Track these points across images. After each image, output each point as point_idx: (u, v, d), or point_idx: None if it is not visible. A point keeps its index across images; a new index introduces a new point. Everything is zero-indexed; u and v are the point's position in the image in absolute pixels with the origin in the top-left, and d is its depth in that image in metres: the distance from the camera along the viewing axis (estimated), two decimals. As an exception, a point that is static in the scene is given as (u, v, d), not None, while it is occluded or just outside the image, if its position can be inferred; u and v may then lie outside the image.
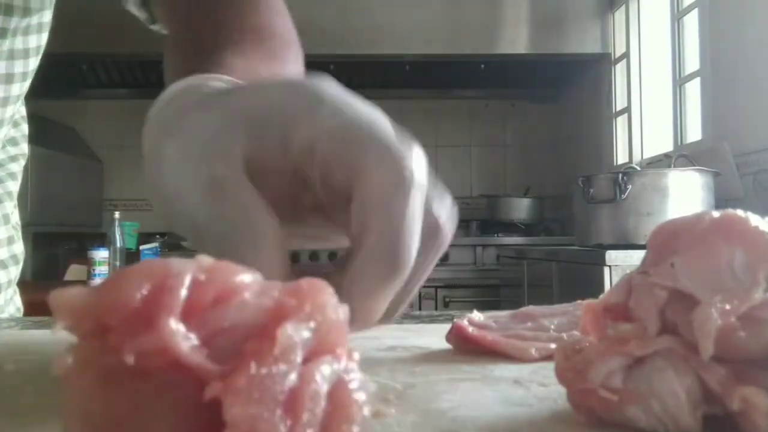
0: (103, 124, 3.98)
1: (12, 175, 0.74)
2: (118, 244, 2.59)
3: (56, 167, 3.24)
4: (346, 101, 0.30)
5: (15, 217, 0.75)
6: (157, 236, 3.35)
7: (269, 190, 0.30)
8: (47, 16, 0.66)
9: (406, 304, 0.31)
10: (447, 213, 0.32)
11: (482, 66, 3.53)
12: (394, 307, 0.30)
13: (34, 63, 0.67)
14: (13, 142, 0.75)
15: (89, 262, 2.44)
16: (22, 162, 0.76)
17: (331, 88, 0.31)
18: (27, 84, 0.68)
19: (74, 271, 2.96)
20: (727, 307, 0.22)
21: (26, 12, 0.62)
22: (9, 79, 0.64)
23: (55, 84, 3.40)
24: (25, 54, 0.65)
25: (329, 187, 0.30)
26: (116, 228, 2.59)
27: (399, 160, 0.29)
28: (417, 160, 0.29)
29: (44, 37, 0.68)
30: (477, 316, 0.41)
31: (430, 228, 0.30)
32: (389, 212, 0.28)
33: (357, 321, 0.27)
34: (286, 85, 0.32)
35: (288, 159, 0.30)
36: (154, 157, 0.31)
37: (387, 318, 0.30)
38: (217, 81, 0.35)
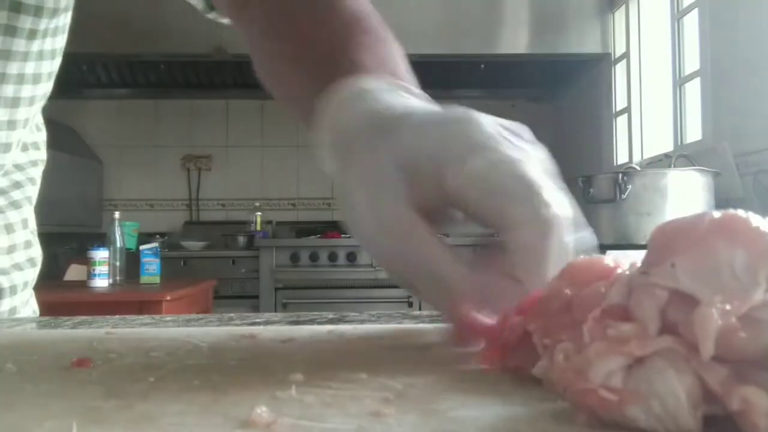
0: (103, 124, 3.99)
1: (32, 180, 0.75)
2: (118, 244, 2.59)
3: (56, 167, 3.24)
4: (493, 146, 0.35)
5: (33, 222, 0.75)
6: (157, 236, 3.35)
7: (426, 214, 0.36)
8: (69, 16, 0.67)
9: None
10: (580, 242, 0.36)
11: (482, 66, 3.53)
12: None
13: (57, 63, 0.68)
14: (35, 146, 0.76)
15: (89, 262, 2.44)
16: (41, 167, 0.77)
17: (479, 128, 0.36)
18: (50, 84, 0.69)
19: (74, 271, 2.96)
20: (728, 307, 0.22)
21: (55, 13, 0.63)
22: (36, 79, 0.65)
23: (55, 84, 3.39)
24: (52, 54, 0.66)
25: (479, 218, 0.36)
26: (116, 228, 2.59)
27: (544, 220, 0.33)
28: (561, 207, 0.34)
29: (65, 37, 0.69)
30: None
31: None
32: (535, 262, 0.33)
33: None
34: (441, 126, 0.37)
35: (442, 197, 0.35)
36: (339, 185, 0.39)
37: None
38: (388, 92, 0.41)
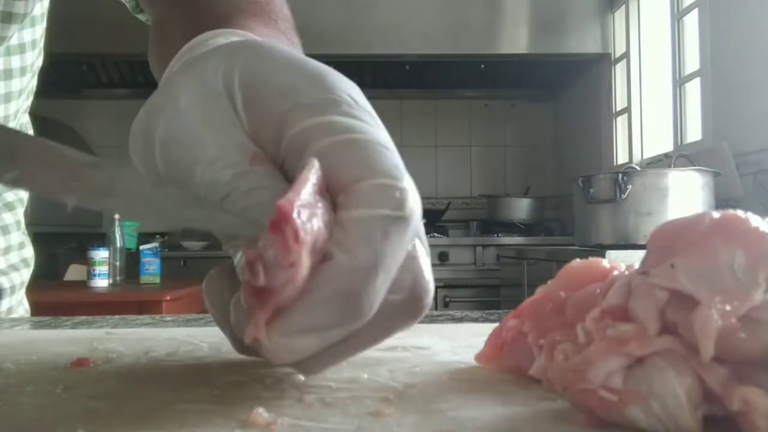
0: (103, 124, 3.98)
1: None
2: (118, 244, 2.59)
3: (56, 167, 3.23)
4: (357, 114, 0.27)
5: (23, 224, 0.76)
6: (157, 236, 3.35)
7: None
8: (38, 10, 0.66)
9: (339, 362, 0.27)
10: (431, 279, 0.27)
11: (482, 66, 3.53)
12: (322, 361, 0.26)
13: (31, 57, 0.67)
14: None
15: (89, 262, 2.44)
16: None
17: (352, 88, 0.28)
18: (27, 80, 0.68)
19: (74, 270, 2.96)
20: (728, 307, 0.22)
21: (24, 17, 0.63)
22: (8, 75, 0.65)
23: (55, 84, 3.39)
24: (21, 49, 0.66)
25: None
26: (116, 228, 2.59)
27: (400, 192, 0.25)
28: (416, 200, 0.25)
29: (39, 30, 0.68)
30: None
31: (409, 291, 0.26)
32: (368, 244, 0.24)
33: (271, 355, 0.24)
34: (305, 64, 0.28)
35: (275, 147, 0.27)
36: (166, 104, 0.29)
37: (305, 370, 0.27)
38: (233, 35, 0.34)
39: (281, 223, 0.23)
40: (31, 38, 0.67)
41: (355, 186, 0.25)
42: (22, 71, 0.67)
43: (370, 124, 0.27)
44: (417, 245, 0.27)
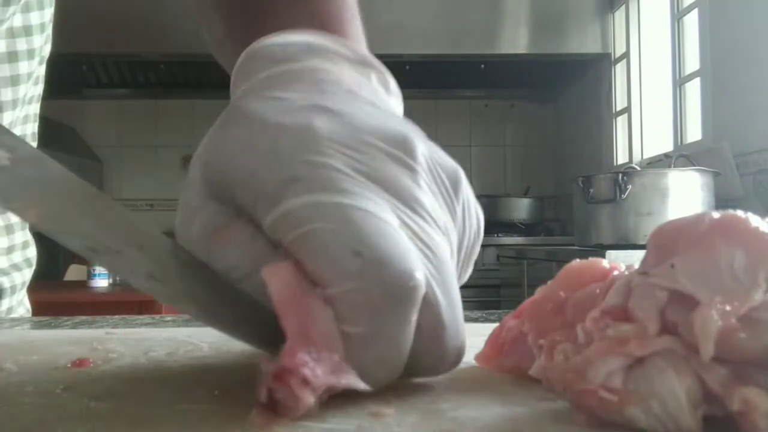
0: (103, 124, 3.98)
1: None
2: (118, 244, 2.58)
3: (56, 167, 3.23)
4: (314, 185, 0.25)
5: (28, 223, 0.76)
6: (157, 236, 3.34)
7: None
8: None
9: None
10: (460, 333, 0.27)
11: (482, 66, 3.53)
12: None
13: (38, 42, 0.67)
14: (32, 138, 0.75)
15: (89, 262, 2.44)
16: None
17: (314, 143, 0.26)
18: (34, 64, 0.67)
19: (74, 270, 2.96)
20: (728, 308, 0.22)
21: None
22: (12, 57, 0.64)
23: (55, 84, 3.39)
24: (27, 31, 0.65)
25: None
26: (116, 228, 2.59)
27: (364, 293, 0.24)
28: (399, 276, 0.24)
29: (48, 14, 0.67)
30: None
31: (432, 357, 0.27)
32: (361, 351, 0.25)
33: None
34: (254, 138, 0.27)
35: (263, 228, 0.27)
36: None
37: None
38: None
39: (285, 376, 0.23)
40: (39, 21, 0.66)
41: (326, 293, 0.24)
42: (30, 54, 0.66)
43: (329, 186, 0.25)
44: (435, 299, 0.26)
